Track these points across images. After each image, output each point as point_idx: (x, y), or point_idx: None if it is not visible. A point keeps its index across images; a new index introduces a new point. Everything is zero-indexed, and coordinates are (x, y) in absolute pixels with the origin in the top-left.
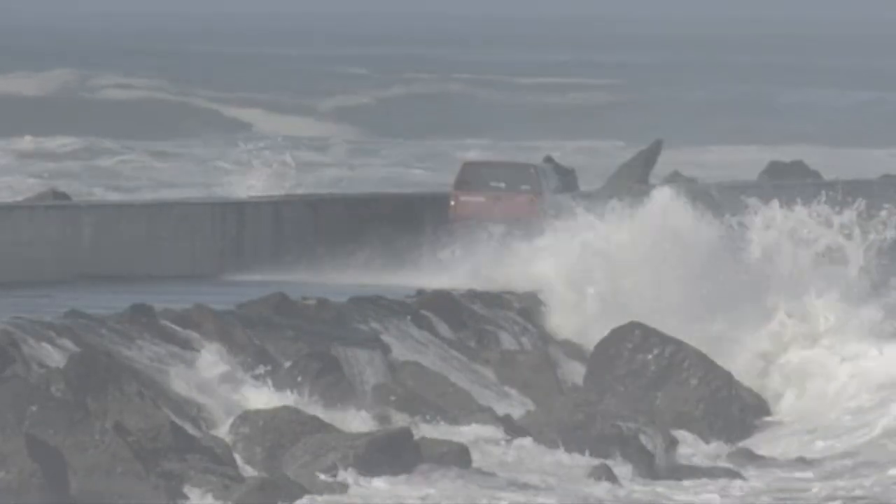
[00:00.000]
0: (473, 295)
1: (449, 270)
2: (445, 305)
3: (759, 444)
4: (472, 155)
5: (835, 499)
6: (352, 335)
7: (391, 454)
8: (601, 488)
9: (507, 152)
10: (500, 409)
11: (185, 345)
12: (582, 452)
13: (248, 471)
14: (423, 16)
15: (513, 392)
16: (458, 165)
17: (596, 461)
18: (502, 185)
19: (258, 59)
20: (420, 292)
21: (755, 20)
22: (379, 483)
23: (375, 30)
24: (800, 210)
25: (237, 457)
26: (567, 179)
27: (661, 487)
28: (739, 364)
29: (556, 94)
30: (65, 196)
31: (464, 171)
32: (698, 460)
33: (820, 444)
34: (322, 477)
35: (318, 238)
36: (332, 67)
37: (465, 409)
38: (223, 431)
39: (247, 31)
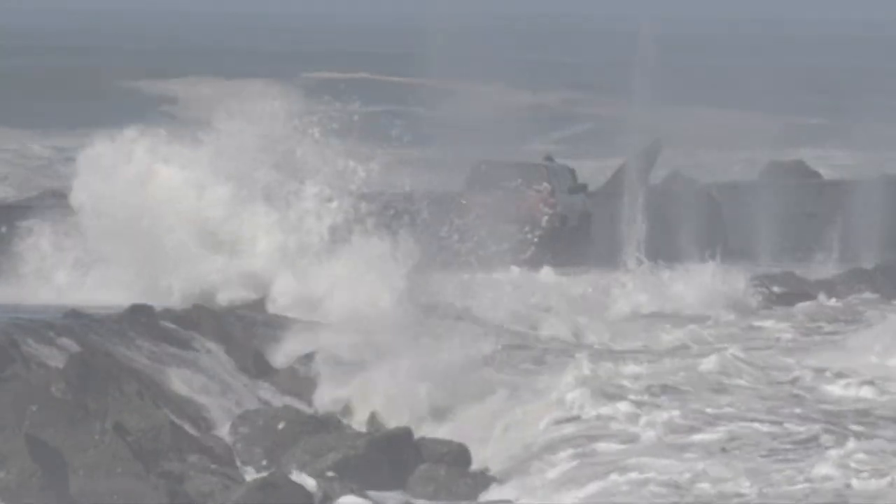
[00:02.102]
0: None
1: None
2: None
3: None
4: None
5: None
6: None
7: (391, 454)
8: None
9: None
10: None
11: (185, 345)
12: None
13: (249, 471)
14: None
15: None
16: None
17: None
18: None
19: None
20: None
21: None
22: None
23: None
24: None
25: (237, 457)
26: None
27: None
28: None
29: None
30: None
31: (475, 170)
32: None
33: None
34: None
35: None
36: None
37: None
38: (223, 431)
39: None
